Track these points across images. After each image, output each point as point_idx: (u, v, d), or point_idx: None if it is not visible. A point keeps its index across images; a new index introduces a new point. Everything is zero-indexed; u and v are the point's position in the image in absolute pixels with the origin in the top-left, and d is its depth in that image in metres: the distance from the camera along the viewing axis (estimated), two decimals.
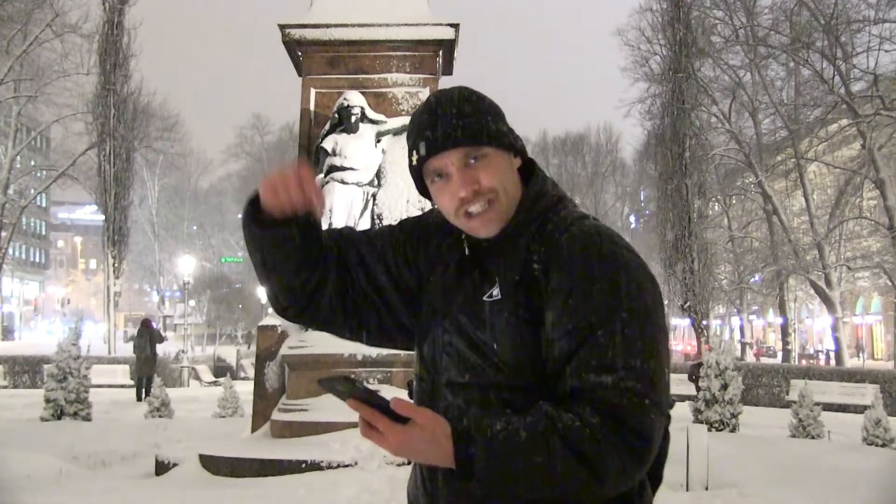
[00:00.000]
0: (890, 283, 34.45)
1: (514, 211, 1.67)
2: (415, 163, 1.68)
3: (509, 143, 1.67)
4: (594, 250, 1.58)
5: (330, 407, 7.94)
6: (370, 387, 1.53)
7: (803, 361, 41.56)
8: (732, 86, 36.86)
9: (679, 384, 19.81)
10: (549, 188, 1.73)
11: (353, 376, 1.49)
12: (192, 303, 53.29)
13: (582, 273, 1.56)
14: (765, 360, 42.26)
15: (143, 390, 19.89)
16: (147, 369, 20.56)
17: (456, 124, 1.63)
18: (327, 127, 9.65)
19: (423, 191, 1.72)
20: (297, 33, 10.28)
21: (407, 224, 1.88)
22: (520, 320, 1.58)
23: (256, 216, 1.70)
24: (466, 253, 1.71)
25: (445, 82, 10.87)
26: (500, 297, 1.61)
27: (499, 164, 1.65)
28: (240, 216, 1.73)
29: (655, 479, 1.72)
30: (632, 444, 1.46)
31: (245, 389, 16.30)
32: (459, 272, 1.70)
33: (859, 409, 17.94)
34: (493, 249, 1.67)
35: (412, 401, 1.73)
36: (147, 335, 21.42)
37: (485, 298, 1.63)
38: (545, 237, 1.63)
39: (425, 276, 1.79)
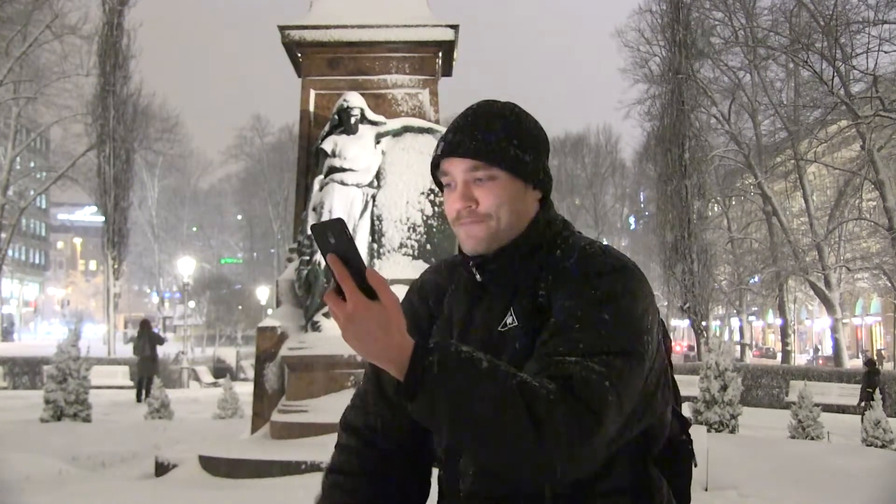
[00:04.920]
0: (889, 285, 34.45)
1: (519, 235, 1.64)
2: (435, 156, 1.69)
3: (525, 172, 1.64)
4: (593, 267, 1.56)
5: (330, 408, 7.94)
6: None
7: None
8: (732, 87, 36.88)
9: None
10: (556, 215, 1.71)
11: (348, 234, 1.39)
12: (191, 304, 53.28)
13: (576, 286, 1.55)
14: (765, 361, 42.30)
15: (144, 391, 19.86)
16: (147, 370, 20.51)
17: (475, 136, 1.61)
18: (327, 128, 9.65)
19: (440, 185, 1.71)
20: (296, 34, 10.28)
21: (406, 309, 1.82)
22: (533, 348, 1.55)
23: None
24: (478, 279, 1.67)
25: (445, 84, 10.89)
26: (515, 323, 1.59)
27: (506, 189, 1.62)
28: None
29: (683, 498, 1.72)
30: (580, 415, 1.39)
31: (244, 390, 16.30)
32: (470, 305, 1.68)
33: (859, 411, 17.95)
34: (504, 277, 1.65)
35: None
36: (146, 336, 21.40)
37: (500, 328, 1.60)
38: (553, 264, 1.61)
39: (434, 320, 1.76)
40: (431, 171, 1.70)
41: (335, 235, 1.38)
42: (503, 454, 1.40)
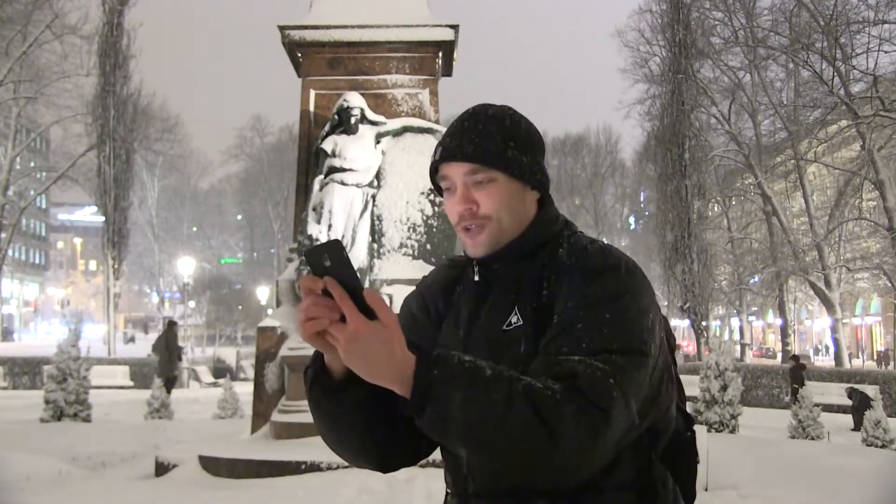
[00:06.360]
0: (889, 285, 34.46)
1: (519, 235, 1.66)
2: (433, 161, 1.70)
3: (523, 174, 1.65)
4: (594, 266, 1.57)
5: None
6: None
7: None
8: (732, 87, 36.89)
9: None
10: (557, 214, 1.72)
11: (346, 255, 1.38)
12: (191, 304, 53.33)
13: (578, 285, 1.56)
14: (765, 361, 42.31)
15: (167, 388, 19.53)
16: (163, 370, 20.19)
17: (472, 140, 1.63)
18: (327, 128, 9.66)
19: (439, 190, 1.73)
20: (296, 35, 10.29)
21: (415, 301, 1.81)
22: (538, 347, 1.55)
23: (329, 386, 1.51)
24: (476, 279, 1.69)
25: (445, 84, 10.90)
26: (520, 323, 1.60)
27: (505, 191, 1.64)
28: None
29: (688, 494, 1.71)
30: (588, 412, 1.39)
31: (245, 390, 16.31)
32: (476, 304, 1.69)
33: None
34: (507, 277, 1.66)
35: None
36: (164, 337, 21.17)
37: (504, 328, 1.61)
38: (555, 264, 1.62)
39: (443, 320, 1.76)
40: (430, 176, 1.71)
41: (331, 258, 1.37)
42: (515, 459, 1.41)
